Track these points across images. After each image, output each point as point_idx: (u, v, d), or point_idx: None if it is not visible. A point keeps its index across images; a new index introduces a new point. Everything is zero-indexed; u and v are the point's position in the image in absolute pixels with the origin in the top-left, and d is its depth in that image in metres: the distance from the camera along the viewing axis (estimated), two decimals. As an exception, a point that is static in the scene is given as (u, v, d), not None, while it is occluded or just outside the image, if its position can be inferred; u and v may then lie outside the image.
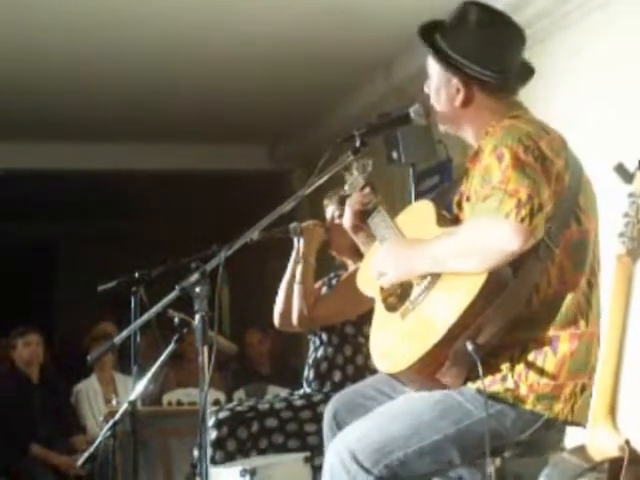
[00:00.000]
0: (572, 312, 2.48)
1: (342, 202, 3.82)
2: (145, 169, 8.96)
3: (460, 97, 2.63)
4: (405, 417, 2.52)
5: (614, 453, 2.32)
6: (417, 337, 2.45)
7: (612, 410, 2.39)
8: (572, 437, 2.58)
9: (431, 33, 2.69)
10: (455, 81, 2.63)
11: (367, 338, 2.76)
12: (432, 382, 2.47)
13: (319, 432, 3.09)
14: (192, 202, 10.44)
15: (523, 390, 2.44)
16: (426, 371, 2.44)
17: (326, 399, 3.52)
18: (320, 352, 4.04)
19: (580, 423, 2.51)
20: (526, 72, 2.71)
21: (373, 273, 2.67)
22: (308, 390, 4.05)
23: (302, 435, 3.89)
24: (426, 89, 2.74)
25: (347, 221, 2.91)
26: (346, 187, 2.96)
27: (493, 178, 2.40)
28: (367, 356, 3.62)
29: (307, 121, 8.15)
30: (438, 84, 2.68)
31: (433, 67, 2.69)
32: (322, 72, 6.89)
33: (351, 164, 2.90)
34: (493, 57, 2.61)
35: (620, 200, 2.58)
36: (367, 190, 2.88)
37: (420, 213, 2.73)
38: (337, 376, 3.98)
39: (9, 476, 6.36)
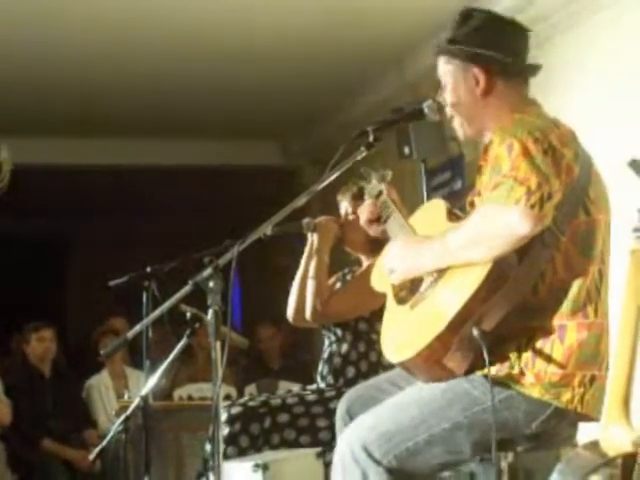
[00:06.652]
0: (581, 300, 2.48)
1: (355, 198, 3.88)
2: (158, 165, 8.98)
3: (481, 86, 2.63)
4: (414, 406, 2.53)
5: (627, 448, 2.32)
6: (425, 325, 2.47)
7: (625, 405, 2.38)
8: (585, 432, 2.57)
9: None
10: (474, 71, 2.62)
11: (380, 334, 2.76)
12: (440, 370, 2.48)
13: (331, 427, 3.09)
14: (205, 198, 10.45)
15: (530, 378, 2.44)
16: (433, 358, 2.45)
17: (338, 395, 3.52)
18: (334, 347, 4.04)
19: (591, 416, 2.51)
20: (534, 66, 2.71)
21: (384, 270, 2.69)
22: (322, 385, 4.05)
23: (314, 430, 3.88)
24: (441, 99, 2.72)
25: (363, 225, 3.05)
26: (366, 197, 3.10)
27: (503, 167, 2.41)
28: (380, 353, 3.64)
29: (319, 117, 8.16)
30: (455, 83, 2.66)
31: (447, 68, 2.68)
32: (334, 69, 6.90)
33: (370, 174, 3.03)
34: (505, 43, 2.64)
35: (634, 195, 2.58)
36: (382, 198, 2.96)
37: (431, 211, 2.77)
38: (351, 372, 3.98)
39: (22, 470, 6.39)
